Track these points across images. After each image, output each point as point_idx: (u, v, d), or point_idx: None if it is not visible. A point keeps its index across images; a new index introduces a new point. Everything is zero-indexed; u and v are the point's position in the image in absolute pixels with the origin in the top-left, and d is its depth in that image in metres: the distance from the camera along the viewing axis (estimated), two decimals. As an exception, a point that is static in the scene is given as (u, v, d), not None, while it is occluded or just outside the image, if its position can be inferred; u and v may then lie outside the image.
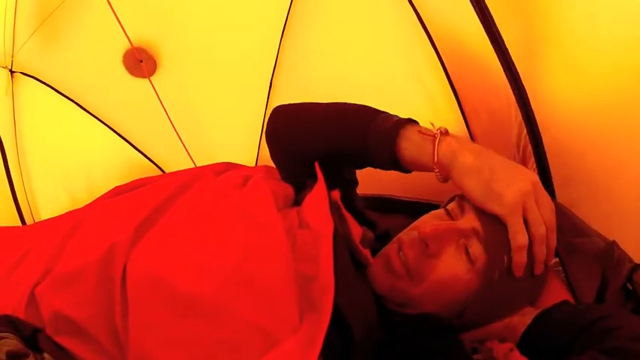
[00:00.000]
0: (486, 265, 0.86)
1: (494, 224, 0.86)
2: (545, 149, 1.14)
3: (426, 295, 0.88)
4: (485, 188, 0.85)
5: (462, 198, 0.92)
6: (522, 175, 0.86)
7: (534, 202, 0.84)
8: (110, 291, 0.81)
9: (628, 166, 0.97)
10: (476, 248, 0.86)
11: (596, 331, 0.76)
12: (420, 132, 0.92)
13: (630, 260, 0.96)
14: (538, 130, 1.14)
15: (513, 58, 1.12)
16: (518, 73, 1.12)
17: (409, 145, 0.91)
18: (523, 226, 0.84)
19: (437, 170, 0.89)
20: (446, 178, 0.90)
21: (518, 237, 0.84)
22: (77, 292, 0.83)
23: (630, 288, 0.94)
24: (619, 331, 0.74)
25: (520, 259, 0.85)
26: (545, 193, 0.88)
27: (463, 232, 0.87)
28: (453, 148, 0.88)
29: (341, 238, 0.87)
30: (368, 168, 1.11)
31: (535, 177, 0.87)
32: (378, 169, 1.02)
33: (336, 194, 0.98)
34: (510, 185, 0.84)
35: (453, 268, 0.87)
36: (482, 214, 0.87)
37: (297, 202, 1.04)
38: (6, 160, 1.78)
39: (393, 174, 1.19)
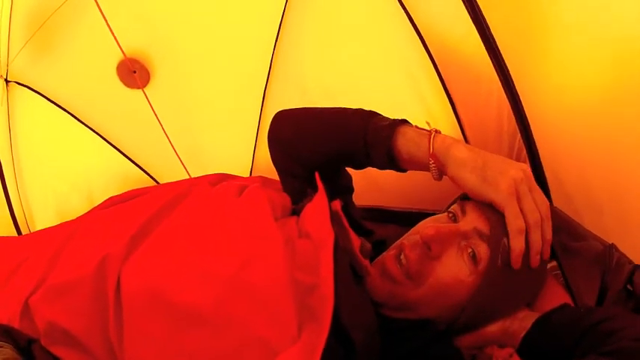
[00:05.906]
0: (490, 259, 0.85)
1: (493, 216, 0.86)
2: (540, 153, 1.15)
3: (426, 297, 0.88)
4: (480, 177, 0.87)
5: (463, 199, 0.93)
6: (514, 165, 0.88)
7: (527, 190, 0.86)
8: (104, 303, 0.81)
9: (624, 164, 0.97)
10: (480, 248, 0.86)
11: (599, 334, 0.75)
12: (416, 128, 0.95)
13: (630, 262, 0.95)
14: (531, 133, 1.15)
15: (505, 60, 1.13)
16: (510, 75, 1.13)
17: (405, 141, 0.94)
18: (519, 210, 0.85)
19: (432, 163, 0.91)
20: (441, 172, 0.92)
21: (516, 221, 0.84)
22: (71, 303, 0.82)
23: (631, 289, 0.94)
24: (621, 332, 0.73)
25: (518, 244, 0.85)
26: (536, 185, 0.89)
27: (464, 233, 0.87)
28: (448, 142, 0.91)
29: (341, 249, 0.86)
30: (362, 180, 1.11)
31: (526, 166, 0.89)
32: (373, 180, 1.01)
33: (337, 204, 0.98)
34: (503, 173, 0.86)
35: (454, 270, 0.86)
36: (483, 210, 0.88)
37: (296, 211, 1.03)
38: (1, 169, 1.78)
39: (387, 184, 1.18)
